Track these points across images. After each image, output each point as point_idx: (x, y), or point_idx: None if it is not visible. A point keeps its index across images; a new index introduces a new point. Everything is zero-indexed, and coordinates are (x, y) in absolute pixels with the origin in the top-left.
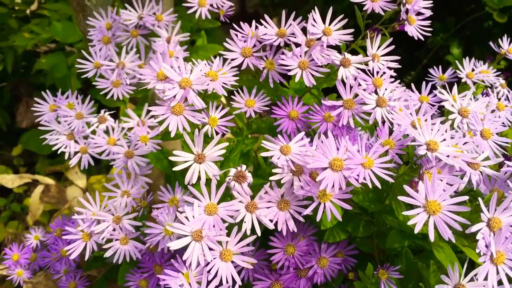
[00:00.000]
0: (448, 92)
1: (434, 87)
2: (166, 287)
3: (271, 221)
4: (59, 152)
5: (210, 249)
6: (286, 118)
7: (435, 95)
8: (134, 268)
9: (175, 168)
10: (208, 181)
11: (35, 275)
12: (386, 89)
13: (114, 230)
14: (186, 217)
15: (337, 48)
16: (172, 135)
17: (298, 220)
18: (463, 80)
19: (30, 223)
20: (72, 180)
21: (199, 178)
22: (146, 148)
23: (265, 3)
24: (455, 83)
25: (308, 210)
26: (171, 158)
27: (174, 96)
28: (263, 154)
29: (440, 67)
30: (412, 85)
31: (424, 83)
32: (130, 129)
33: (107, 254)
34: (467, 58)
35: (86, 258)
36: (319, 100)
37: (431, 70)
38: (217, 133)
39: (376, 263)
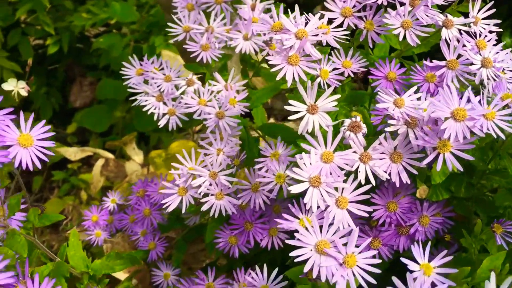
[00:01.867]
0: None
1: None
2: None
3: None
4: (149, 112)
5: (329, 194)
6: (384, 79)
7: None
8: (224, 225)
9: (291, 117)
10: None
11: (113, 237)
12: (490, 51)
13: (210, 185)
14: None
15: None
16: (289, 84)
17: (411, 172)
18: None
19: (85, 197)
20: (130, 156)
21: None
22: (235, 110)
23: None
24: None
25: (427, 160)
26: (286, 107)
27: (290, 47)
28: (379, 105)
29: None
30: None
31: None
32: (217, 92)
33: (204, 208)
34: None
35: (183, 212)
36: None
37: None
38: (328, 86)
39: (468, 227)
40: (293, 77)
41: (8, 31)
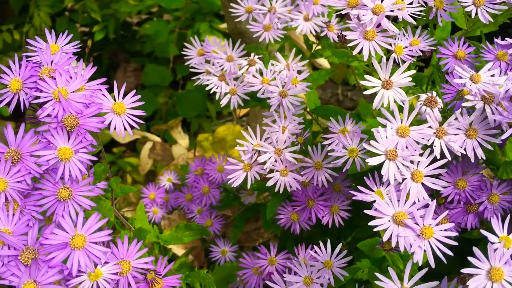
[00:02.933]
0: None
1: None
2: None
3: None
4: (211, 92)
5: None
6: (452, 57)
7: None
8: (286, 201)
9: (366, 92)
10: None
11: (169, 214)
12: None
13: (275, 161)
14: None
15: None
16: (365, 59)
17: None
18: None
19: (129, 180)
20: (176, 139)
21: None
22: (297, 89)
23: None
24: None
25: (506, 135)
26: (361, 82)
27: (366, 23)
28: (456, 80)
29: None
30: None
31: None
32: (279, 72)
33: (269, 183)
34: None
35: (248, 187)
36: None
37: None
38: (403, 62)
39: None
40: (369, 52)
41: (56, 18)
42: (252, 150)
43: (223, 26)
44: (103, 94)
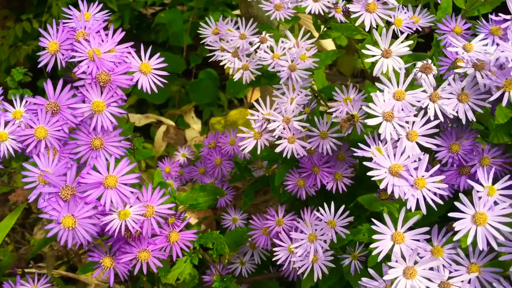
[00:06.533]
0: None
1: None
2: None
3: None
4: (225, 67)
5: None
6: (450, 33)
7: None
8: (293, 169)
9: (367, 60)
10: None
11: (184, 185)
12: None
13: (284, 129)
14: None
15: None
16: (367, 29)
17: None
18: None
19: (143, 165)
20: (189, 124)
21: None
22: (306, 64)
23: None
24: None
25: (493, 97)
26: (363, 51)
27: None
28: (450, 48)
29: None
30: None
31: None
32: (289, 49)
33: (277, 150)
34: None
35: (258, 152)
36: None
37: None
38: (401, 33)
39: None
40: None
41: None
42: (263, 119)
43: (235, 13)
44: (132, 56)
